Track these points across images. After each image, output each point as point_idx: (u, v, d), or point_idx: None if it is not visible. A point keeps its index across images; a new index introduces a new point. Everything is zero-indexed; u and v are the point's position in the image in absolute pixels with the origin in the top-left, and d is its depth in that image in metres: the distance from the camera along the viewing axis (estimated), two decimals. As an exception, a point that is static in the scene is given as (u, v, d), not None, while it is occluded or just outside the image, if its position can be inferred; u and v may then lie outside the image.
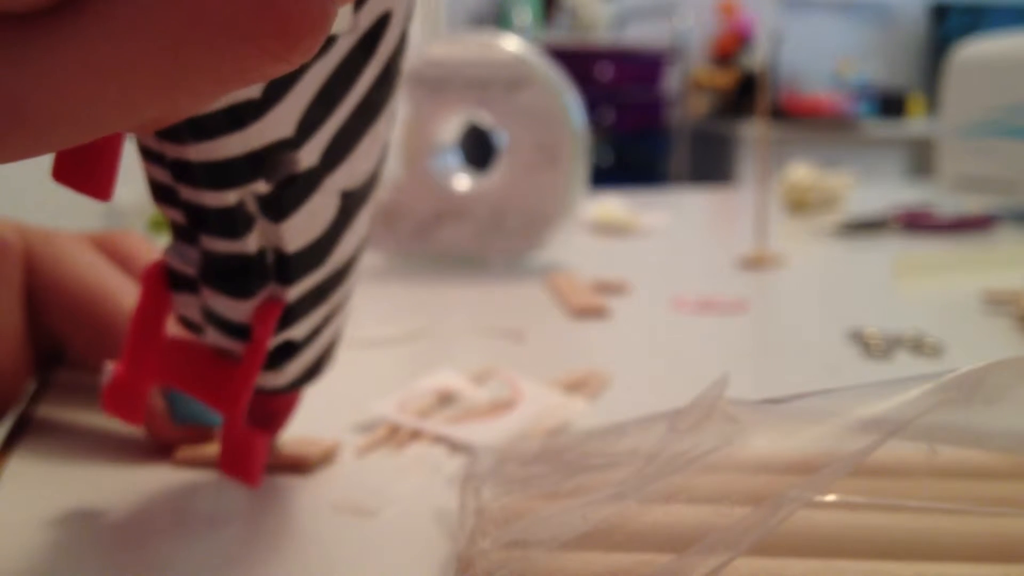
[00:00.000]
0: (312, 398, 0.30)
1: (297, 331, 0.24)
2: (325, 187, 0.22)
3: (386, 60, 0.22)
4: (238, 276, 0.22)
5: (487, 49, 0.60)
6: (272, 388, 0.26)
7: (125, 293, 0.30)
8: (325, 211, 0.23)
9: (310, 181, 0.22)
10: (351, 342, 0.43)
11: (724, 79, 3.23)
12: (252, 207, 0.22)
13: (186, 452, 0.28)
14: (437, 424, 0.31)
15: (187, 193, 0.21)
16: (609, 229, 0.81)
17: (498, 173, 0.61)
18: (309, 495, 0.26)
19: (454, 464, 0.28)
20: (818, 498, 0.19)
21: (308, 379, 0.26)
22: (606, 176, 2.32)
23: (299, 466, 0.28)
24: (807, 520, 0.19)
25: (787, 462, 0.20)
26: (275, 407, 0.27)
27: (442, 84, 0.60)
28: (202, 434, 0.28)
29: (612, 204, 0.84)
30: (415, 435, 0.31)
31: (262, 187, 0.21)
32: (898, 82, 3.51)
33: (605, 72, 3.04)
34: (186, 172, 0.21)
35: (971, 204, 0.87)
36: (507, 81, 0.59)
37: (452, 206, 0.61)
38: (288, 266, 0.23)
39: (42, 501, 0.26)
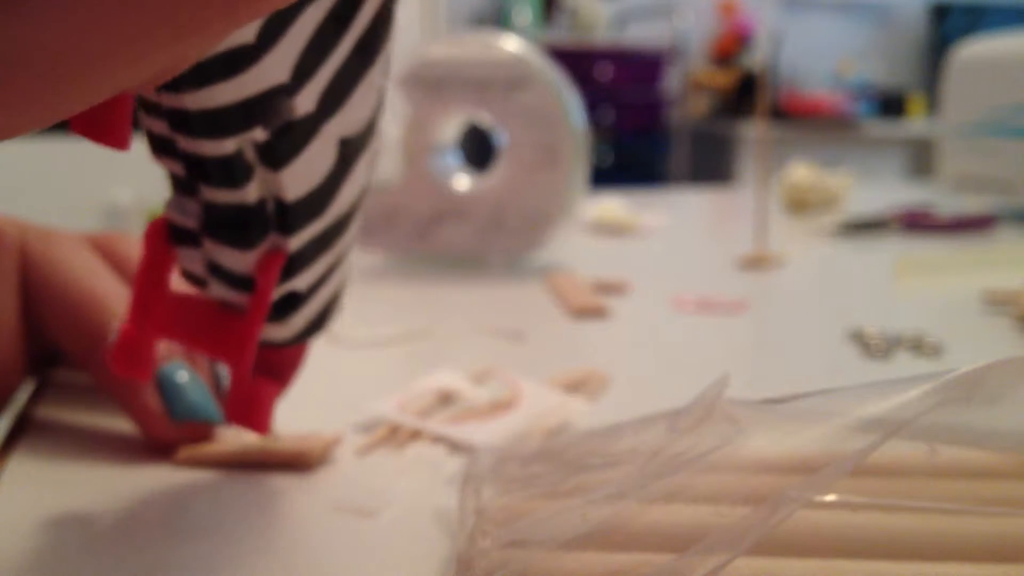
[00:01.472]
0: (312, 398, 0.30)
1: (300, 282, 0.24)
2: (323, 134, 0.22)
3: (379, 3, 0.22)
4: (239, 226, 0.22)
5: (487, 49, 0.60)
6: (278, 341, 0.26)
7: (116, 299, 0.30)
8: (324, 159, 0.23)
9: (308, 128, 0.22)
10: (351, 342, 0.43)
11: (724, 79, 3.23)
12: (251, 155, 0.21)
13: (186, 452, 0.28)
14: (437, 424, 0.31)
15: (185, 143, 0.21)
16: (609, 229, 0.81)
17: (498, 173, 0.61)
18: (309, 495, 0.26)
19: (454, 464, 0.28)
20: (818, 498, 0.19)
21: (313, 331, 0.26)
22: (606, 176, 2.32)
23: (300, 460, 0.28)
24: (807, 520, 0.19)
25: (787, 462, 0.20)
26: (282, 360, 0.27)
27: (442, 84, 0.60)
28: (202, 434, 0.28)
29: (612, 204, 0.84)
30: (415, 435, 0.31)
31: (260, 135, 0.21)
32: (898, 82, 3.51)
33: (605, 72, 3.04)
34: (183, 122, 0.21)
35: (971, 204, 0.87)
36: (507, 81, 0.59)
37: (452, 206, 0.61)
38: (288, 215, 0.23)
39: (42, 501, 0.26)
